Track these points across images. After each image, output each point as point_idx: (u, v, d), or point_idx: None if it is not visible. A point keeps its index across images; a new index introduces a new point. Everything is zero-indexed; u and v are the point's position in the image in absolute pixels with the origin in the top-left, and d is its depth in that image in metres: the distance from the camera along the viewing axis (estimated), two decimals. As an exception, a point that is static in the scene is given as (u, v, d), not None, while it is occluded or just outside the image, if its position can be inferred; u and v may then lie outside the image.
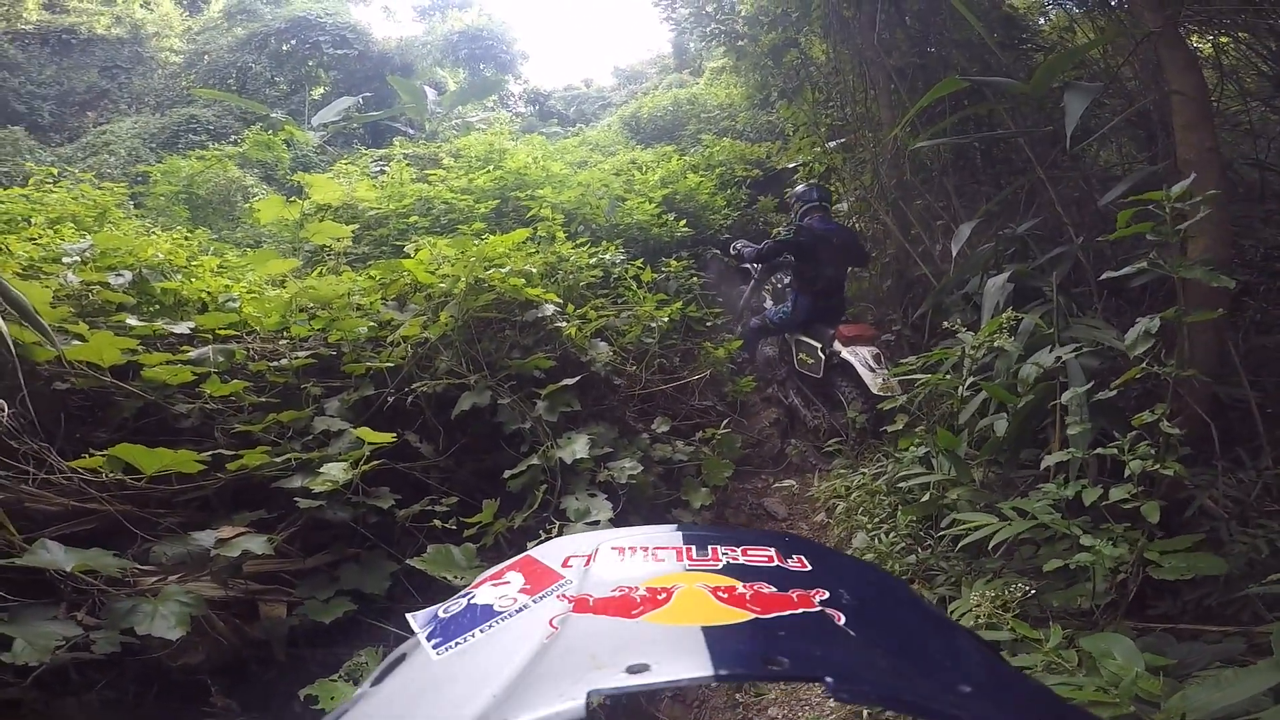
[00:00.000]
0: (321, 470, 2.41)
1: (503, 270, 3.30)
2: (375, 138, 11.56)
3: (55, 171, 5.76)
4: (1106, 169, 3.99)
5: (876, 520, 2.91)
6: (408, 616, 0.67)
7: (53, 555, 1.82)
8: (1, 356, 2.21)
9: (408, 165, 6.94)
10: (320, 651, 2.27)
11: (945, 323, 2.80)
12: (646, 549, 0.71)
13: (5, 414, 2.10)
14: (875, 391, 3.62)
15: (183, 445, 2.30)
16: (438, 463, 2.93)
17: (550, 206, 5.33)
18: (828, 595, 0.59)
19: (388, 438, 2.51)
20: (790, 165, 6.24)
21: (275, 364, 2.90)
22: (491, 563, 0.78)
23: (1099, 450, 1.97)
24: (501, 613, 0.62)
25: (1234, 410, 2.44)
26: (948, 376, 2.72)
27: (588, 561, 0.69)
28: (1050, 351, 2.36)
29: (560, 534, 2.47)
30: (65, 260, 3.08)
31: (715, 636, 0.50)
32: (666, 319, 4.05)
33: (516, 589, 0.67)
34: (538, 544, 0.84)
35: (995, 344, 2.50)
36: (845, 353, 3.93)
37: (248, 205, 6.99)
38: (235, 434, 2.59)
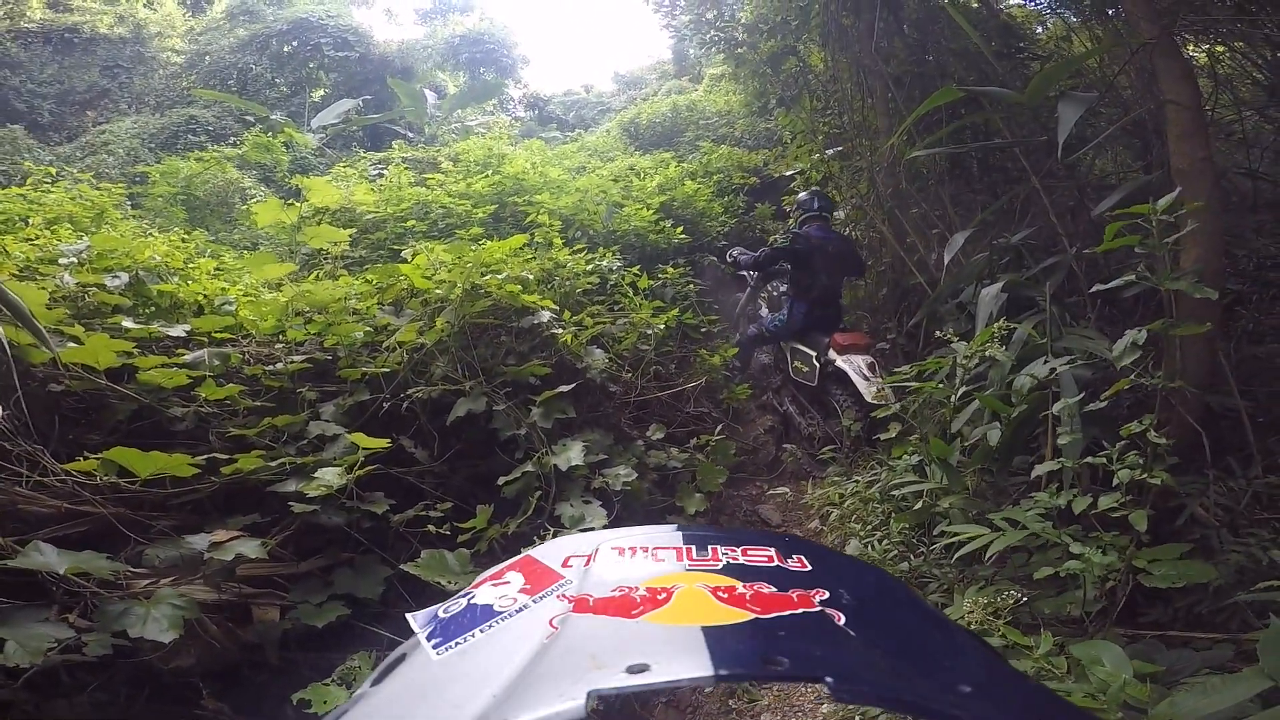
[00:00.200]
0: (316, 475, 2.41)
1: (499, 276, 3.30)
2: (374, 141, 11.57)
3: (54, 171, 5.77)
4: (1102, 178, 4.01)
5: (870, 528, 2.92)
6: (407, 616, 0.67)
7: (45, 557, 1.81)
8: (-4, 358, 2.21)
9: (406, 169, 6.95)
10: (313, 656, 2.26)
11: (938, 332, 2.82)
12: (646, 549, 0.71)
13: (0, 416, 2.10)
14: (870, 400, 3.63)
15: (177, 448, 2.30)
16: (432, 468, 2.93)
17: (548, 212, 5.34)
18: (828, 595, 0.59)
19: (382, 443, 2.51)
20: (788, 173, 6.26)
21: (271, 368, 2.90)
22: (485, 568, 0.78)
23: (1088, 459, 1.99)
24: (501, 613, 0.62)
25: (1225, 419, 2.45)
26: (941, 386, 2.73)
27: (588, 561, 0.69)
28: (1044, 362, 2.37)
29: (555, 540, 2.47)
30: (62, 261, 3.07)
31: (715, 636, 0.50)
32: (662, 326, 4.06)
33: (516, 589, 0.67)
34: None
35: (988, 354, 2.51)
36: (840, 361, 3.94)
37: (246, 207, 6.99)
38: (230, 438, 2.59)
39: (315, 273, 4.00)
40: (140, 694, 2.03)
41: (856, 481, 3.28)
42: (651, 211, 6.02)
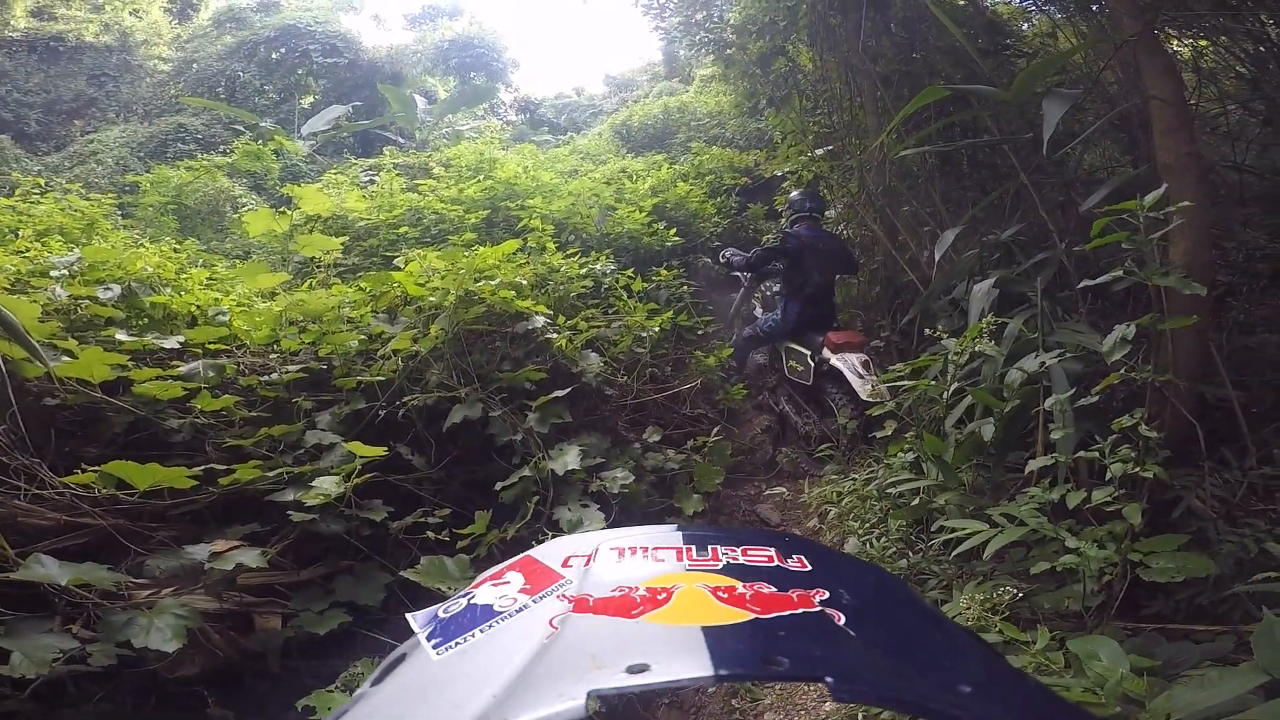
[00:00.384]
0: (313, 484, 2.41)
1: (493, 282, 3.30)
2: (365, 147, 11.54)
3: (42, 182, 5.72)
4: (1090, 173, 4.04)
5: (868, 525, 2.93)
6: (407, 616, 0.67)
7: (47, 569, 1.83)
8: (-9, 373, 2.21)
9: (398, 175, 6.93)
10: (316, 663, 2.27)
11: (928, 329, 2.83)
12: (646, 549, 0.71)
13: (-5, 430, 2.10)
14: (865, 398, 3.65)
15: (174, 460, 2.30)
16: (430, 475, 2.94)
17: (540, 216, 5.34)
18: (828, 595, 0.59)
19: (379, 451, 2.52)
20: (779, 173, 6.28)
21: (266, 378, 2.90)
22: (485, 574, 0.78)
23: (1080, 454, 2.00)
24: (501, 613, 0.62)
25: (1219, 410, 2.47)
26: (933, 382, 2.75)
27: (588, 561, 0.70)
28: (1035, 356, 2.39)
29: (553, 544, 2.48)
30: (53, 274, 3.06)
31: (715, 636, 0.51)
32: (657, 328, 4.07)
33: (516, 589, 0.67)
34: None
35: (978, 349, 2.53)
36: (835, 360, 3.96)
37: (237, 216, 6.96)
38: (227, 448, 2.59)
39: (308, 281, 3.99)
40: (146, 703, 2.05)
41: (854, 479, 3.29)
42: (644, 214, 6.02)
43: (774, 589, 0.60)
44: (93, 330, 2.82)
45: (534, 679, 0.47)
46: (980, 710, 0.47)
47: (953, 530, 2.12)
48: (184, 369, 2.72)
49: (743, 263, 4.70)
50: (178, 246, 4.85)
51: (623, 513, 2.95)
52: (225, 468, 2.38)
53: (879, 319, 4.79)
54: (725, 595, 0.58)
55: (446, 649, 0.58)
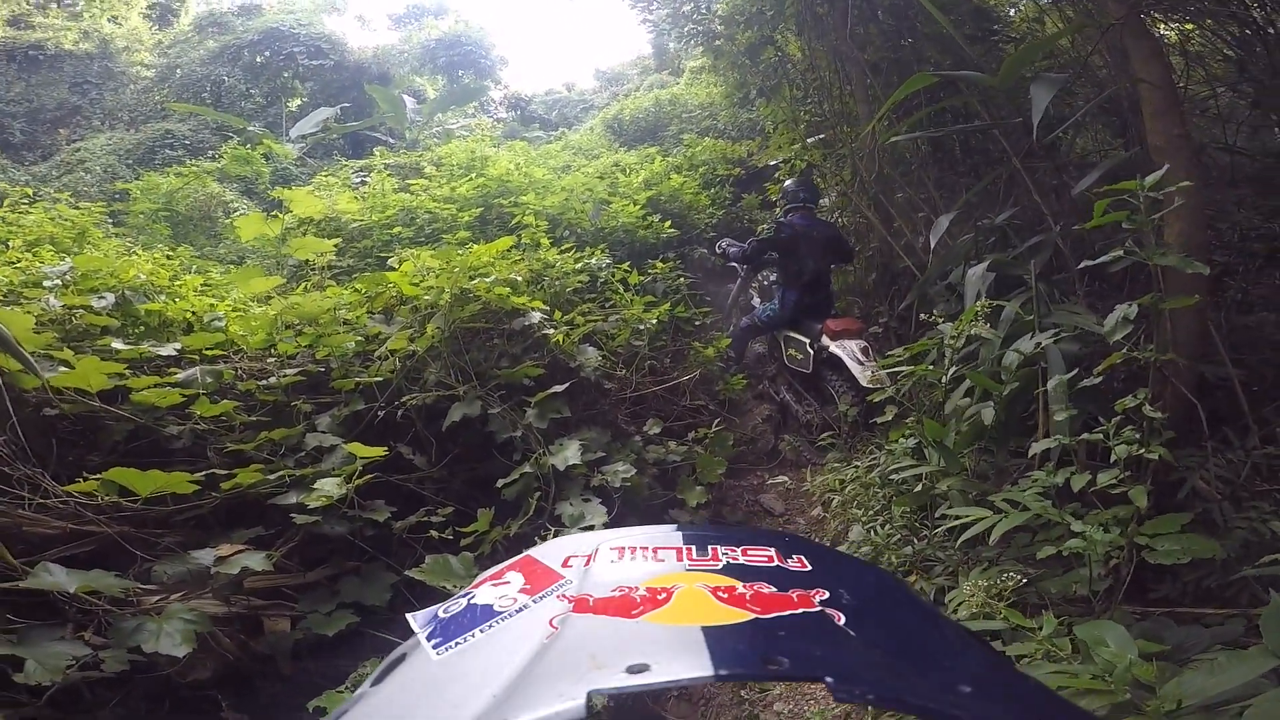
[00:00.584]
0: (316, 486, 2.42)
1: (488, 279, 3.30)
2: (355, 148, 11.47)
3: (30, 192, 5.69)
4: (1082, 157, 4.05)
5: (872, 512, 2.94)
6: (408, 616, 0.68)
7: (55, 577, 1.85)
8: (-11, 384, 2.20)
9: (389, 175, 6.90)
10: (325, 664, 2.28)
11: (923, 314, 2.84)
12: (646, 549, 0.71)
13: (-5, 442, 2.09)
14: (865, 384, 3.66)
15: (176, 466, 2.31)
16: (431, 474, 2.94)
17: (534, 213, 5.32)
18: (828, 595, 0.59)
19: (379, 452, 2.52)
20: (772, 163, 6.27)
21: (264, 382, 2.89)
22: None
23: (1084, 436, 2.00)
24: (501, 613, 0.62)
25: (1219, 389, 2.47)
26: (932, 367, 2.75)
27: (588, 561, 0.70)
28: (1031, 338, 2.39)
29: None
30: (46, 284, 3.05)
31: (715, 636, 0.51)
32: (655, 321, 4.07)
33: (516, 589, 0.67)
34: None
35: (974, 332, 2.53)
36: (833, 347, 3.96)
37: (229, 221, 6.93)
38: (228, 453, 2.59)
39: (303, 284, 3.98)
40: (160, 707, 2.07)
41: (856, 467, 3.30)
42: (638, 207, 6.01)
43: (774, 589, 0.60)
44: (89, 339, 2.81)
45: (534, 679, 0.47)
46: (980, 710, 0.47)
47: (956, 517, 2.13)
48: (182, 376, 2.72)
49: (739, 254, 4.70)
50: (171, 253, 4.82)
51: (625, 506, 2.96)
52: (227, 472, 2.39)
53: (876, 305, 4.79)
54: (725, 595, 0.58)
55: (446, 649, 0.58)
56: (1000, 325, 2.58)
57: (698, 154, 7.89)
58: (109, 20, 13.50)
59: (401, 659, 0.60)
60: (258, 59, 12.92)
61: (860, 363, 3.78)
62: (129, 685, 1.98)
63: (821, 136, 5.30)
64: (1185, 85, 3.43)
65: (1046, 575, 2.01)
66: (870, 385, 3.58)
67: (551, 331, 3.41)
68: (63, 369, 2.42)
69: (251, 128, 10.49)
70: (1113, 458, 1.86)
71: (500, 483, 2.83)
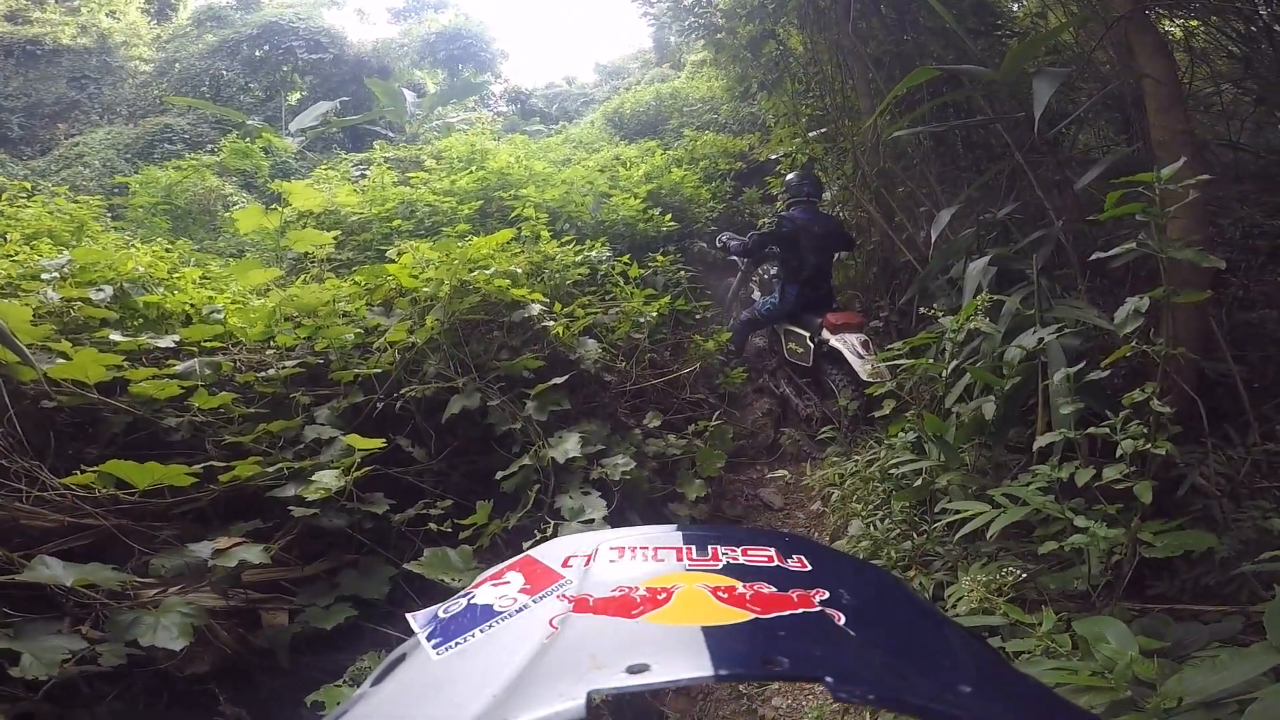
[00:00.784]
0: (314, 478, 2.41)
1: (487, 271, 3.29)
2: (355, 142, 11.45)
3: (29, 186, 5.67)
4: (1085, 152, 4.03)
5: (871, 507, 2.94)
6: (408, 616, 0.67)
7: (52, 571, 1.84)
8: (-14, 377, 2.19)
9: (389, 169, 6.88)
10: (324, 658, 2.28)
11: (922, 308, 2.83)
12: (646, 549, 0.71)
13: (-8, 434, 2.09)
14: (865, 378, 3.65)
15: (174, 458, 2.30)
16: (430, 466, 2.93)
17: (534, 205, 5.30)
18: (828, 595, 0.59)
19: (377, 444, 2.51)
20: (773, 156, 6.26)
21: (263, 374, 2.89)
22: (488, 564, 0.78)
23: (1090, 430, 1.99)
24: (501, 613, 0.62)
25: (1220, 386, 2.47)
26: (931, 361, 2.75)
27: (588, 561, 0.69)
28: (1033, 333, 2.39)
29: (555, 533, 2.48)
30: (44, 277, 3.04)
31: (715, 636, 0.51)
32: (655, 314, 4.06)
33: (516, 589, 0.67)
34: (536, 544, 0.84)
35: (974, 326, 2.52)
36: (834, 340, 3.96)
37: (228, 214, 6.91)
38: (226, 445, 2.59)
39: (302, 277, 3.97)
40: (158, 702, 2.06)
41: (856, 461, 3.30)
42: (639, 200, 6.00)
43: (774, 589, 0.60)
44: (87, 332, 2.80)
45: (534, 679, 0.47)
46: (980, 710, 0.47)
47: (956, 511, 2.12)
48: (180, 367, 2.71)
49: (739, 247, 4.70)
50: (169, 246, 4.81)
51: (625, 500, 2.96)
52: (225, 465, 2.38)
53: (877, 299, 4.79)
54: (725, 595, 0.58)
55: (446, 649, 0.58)
56: (1001, 320, 2.57)
57: (699, 148, 7.88)
58: (107, 15, 13.44)
59: (401, 659, 0.60)
60: (257, 53, 12.87)
61: (860, 356, 3.78)
62: (126, 679, 1.97)
63: (823, 130, 5.29)
64: (1189, 81, 3.41)
65: (1045, 571, 2.01)
66: (870, 379, 3.57)
67: (551, 324, 3.41)
68: (60, 361, 2.41)
69: (251, 122, 10.45)
70: (1119, 452, 1.85)
71: (499, 475, 2.82)
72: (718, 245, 5.12)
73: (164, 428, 2.58)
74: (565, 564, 0.71)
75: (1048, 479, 1.99)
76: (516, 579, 0.70)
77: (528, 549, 0.80)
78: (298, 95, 12.92)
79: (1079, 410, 2.06)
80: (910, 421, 2.86)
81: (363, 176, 7.20)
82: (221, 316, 3.21)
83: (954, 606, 1.86)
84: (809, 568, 0.67)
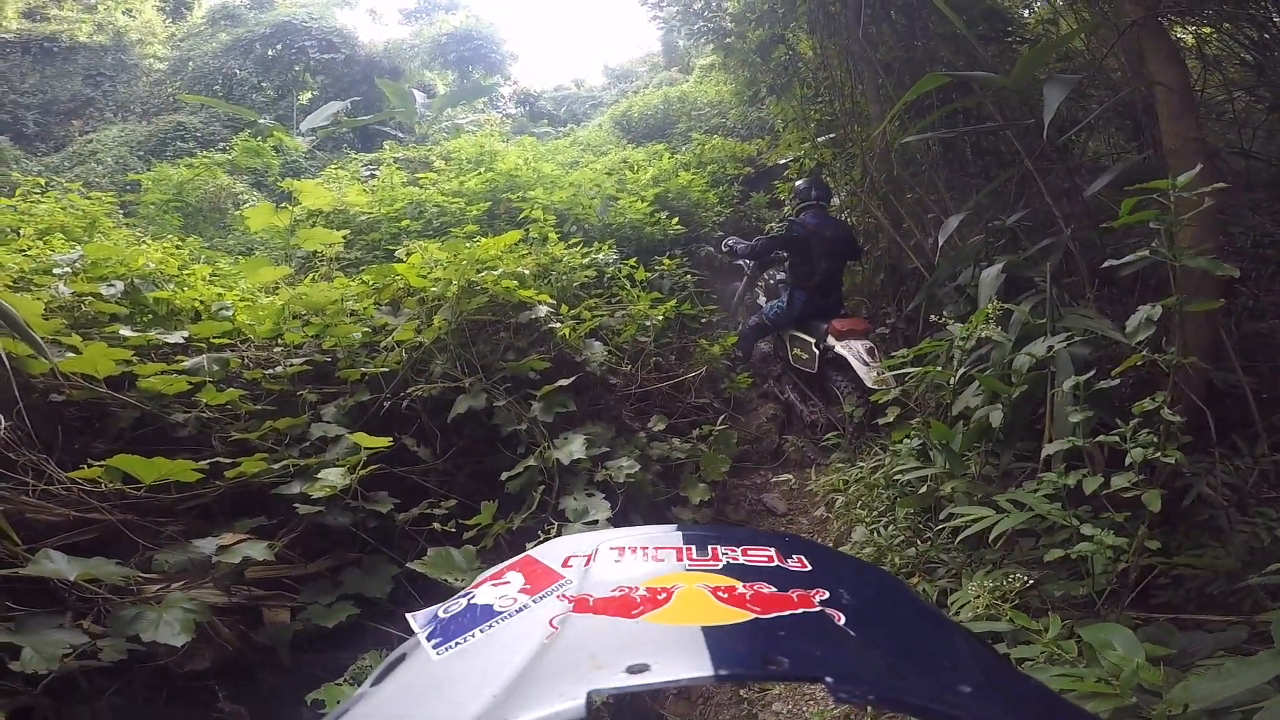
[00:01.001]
0: (319, 476, 2.41)
1: (495, 273, 3.30)
2: (365, 142, 11.52)
3: (42, 182, 5.71)
4: (1095, 159, 4.02)
5: (875, 513, 2.92)
6: (408, 616, 0.67)
7: (56, 564, 1.84)
8: (-4, 370, 2.21)
9: (398, 169, 6.92)
10: (325, 656, 2.28)
11: (933, 316, 2.82)
12: (646, 549, 0.71)
13: (2, 426, 2.10)
14: (870, 385, 3.64)
15: (181, 454, 2.31)
16: (435, 466, 2.94)
17: (542, 207, 5.32)
18: (828, 595, 0.59)
19: (384, 442, 2.52)
20: (781, 161, 6.26)
21: (270, 371, 2.90)
22: (491, 564, 0.78)
23: (1100, 438, 1.98)
24: (501, 613, 0.62)
25: (1229, 397, 2.45)
26: (939, 369, 2.74)
27: (588, 561, 0.69)
28: (1042, 341, 2.38)
29: (559, 534, 2.48)
30: (56, 271, 3.06)
31: (715, 636, 0.51)
32: (661, 317, 4.05)
33: (516, 589, 0.67)
34: (537, 544, 0.84)
35: (985, 334, 2.51)
36: (839, 347, 3.95)
37: (238, 212, 6.96)
38: (233, 442, 2.59)
39: (311, 275, 3.99)
40: (158, 698, 2.06)
41: (860, 467, 3.28)
42: (646, 204, 6.00)
43: (774, 589, 0.60)
44: (97, 327, 2.82)
45: (534, 679, 0.47)
46: (980, 710, 0.46)
47: (961, 518, 2.11)
48: (188, 363, 2.72)
49: (747, 250, 4.67)
50: (180, 243, 4.84)
51: (629, 502, 2.95)
52: (231, 461, 2.39)
53: (883, 306, 4.78)
54: (725, 595, 0.58)
55: (446, 649, 0.58)
56: (1011, 328, 2.56)
57: (706, 152, 7.88)
58: (123, 13, 13.57)
59: (401, 659, 0.60)
60: (269, 52, 12.96)
61: (866, 364, 3.77)
62: (127, 674, 1.97)
63: (832, 136, 5.29)
64: (1201, 89, 3.40)
65: (1050, 579, 1.99)
66: (875, 386, 3.56)
67: (558, 325, 3.41)
68: (70, 354, 2.43)
69: (262, 120, 10.53)
70: (1128, 460, 1.84)
71: (504, 476, 2.82)
72: (724, 249, 5.11)
73: (171, 423, 2.59)
74: (565, 564, 0.71)
75: (1054, 486, 1.98)
76: (516, 579, 0.70)
77: (531, 549, 0.80)
78: (309, 95, 13.01)
79: (1087, 419, 2.05)
80: (916, 428, 2.85)
81: (372, 176, 7.24)
82: (230, 313, 3.23)
83: (958, 613, 1.85)
84: (809, 568, 0.67)
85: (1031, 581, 1.85)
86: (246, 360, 2.99)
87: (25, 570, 1.81)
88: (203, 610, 2.00)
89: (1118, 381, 2.11)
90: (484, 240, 3.62)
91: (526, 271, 3.55)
